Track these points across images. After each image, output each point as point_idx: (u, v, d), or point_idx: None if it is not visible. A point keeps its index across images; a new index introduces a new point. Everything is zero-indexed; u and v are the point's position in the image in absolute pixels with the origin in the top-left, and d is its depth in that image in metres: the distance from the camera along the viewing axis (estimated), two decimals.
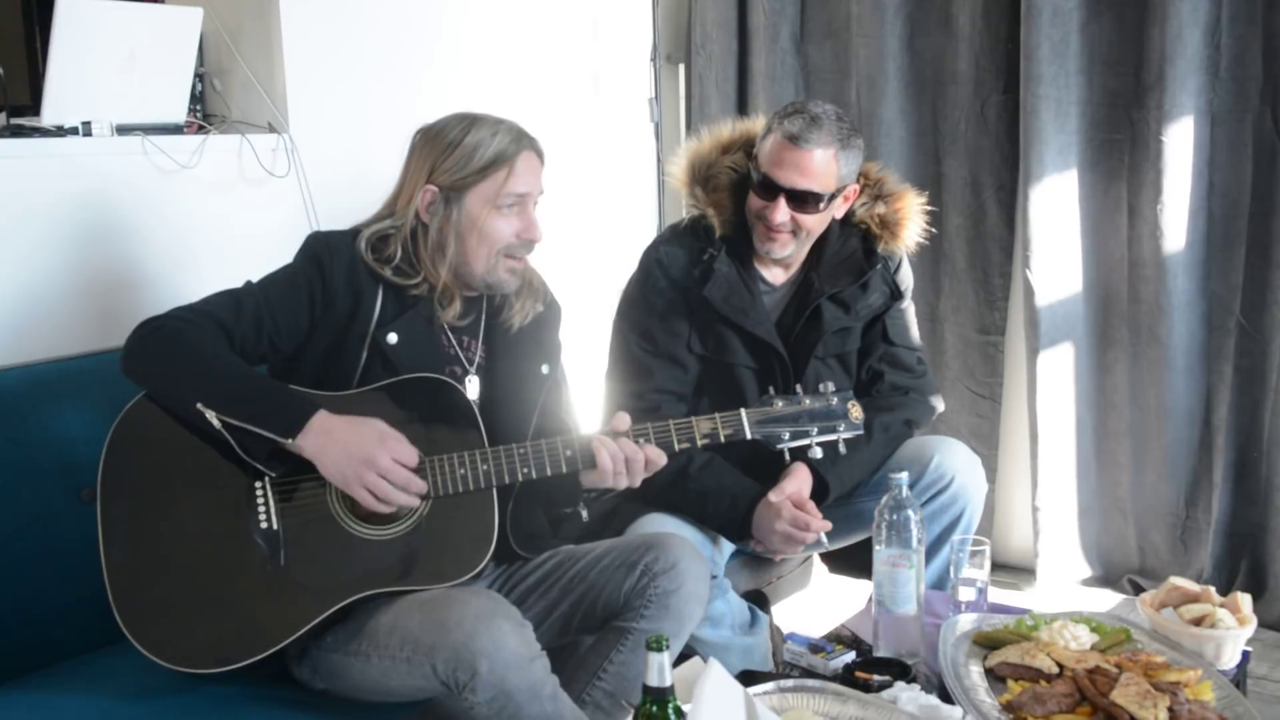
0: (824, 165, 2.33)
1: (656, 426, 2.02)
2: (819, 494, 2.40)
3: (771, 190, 2.33)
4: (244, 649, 1.83)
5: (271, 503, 1.91)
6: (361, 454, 1.85)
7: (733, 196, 2.45)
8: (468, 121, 2.04)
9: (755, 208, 2.38)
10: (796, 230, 2.37)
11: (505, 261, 2.06)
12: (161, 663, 1.82)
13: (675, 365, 2.44)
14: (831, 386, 2.12)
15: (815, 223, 2.39)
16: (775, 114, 2.40)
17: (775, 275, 2.50)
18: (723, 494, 2.35)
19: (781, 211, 2.34)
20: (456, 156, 2.01)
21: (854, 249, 2.49)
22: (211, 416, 1.82)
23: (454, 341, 2.12)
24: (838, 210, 2.46)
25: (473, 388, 2.11)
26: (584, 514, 2.14)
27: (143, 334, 1.91)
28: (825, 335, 2.46)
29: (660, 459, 2.03)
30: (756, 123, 2.51)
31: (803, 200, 2.33)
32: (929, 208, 2.56)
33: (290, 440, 1.84)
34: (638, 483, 2.03)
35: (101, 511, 1.88)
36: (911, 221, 2.50)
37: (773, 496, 2.33)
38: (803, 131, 2.30)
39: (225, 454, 1.87)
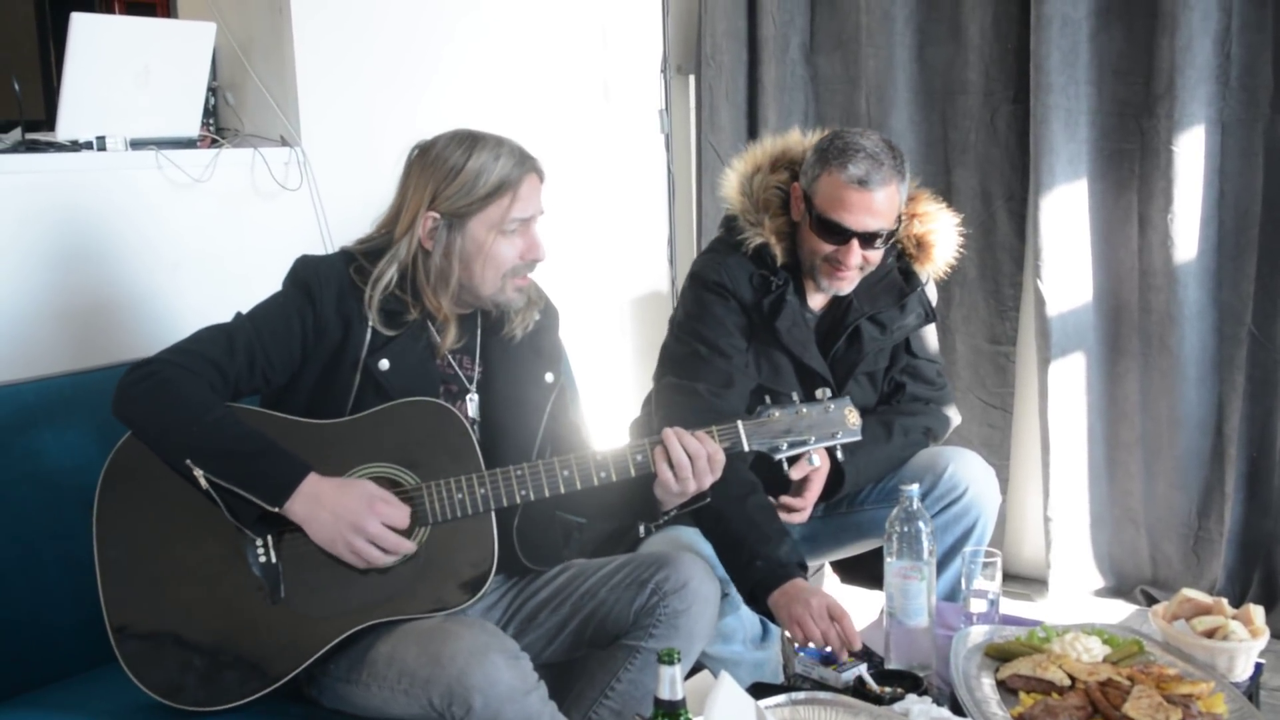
0: (890, 201, 2.31)
1: (653, 440, 1.97)
2: (833, 484, 2.39)
3: (841, 234, 2.31)
4: (248, 685, 1.82)
5: (269, 536, 1.88)
6: (350, 519, 1.83)
7: (788, 221, 2.42)
8: (468, 144, 1.98)
9: (823, 251, 2.34)
10: (863, 265, 2.36)
11: (512, 282, 2.02)
12: (167, 702, 1.81)
13: (744, 377, 2.40)
14: (828, 393, 2.10)
15: (879, 256, 2.39)
16: (823, 149, 2.33)
17: (816, 301, 2.49)
18: (765, 539, 2.15)
19: (856, 255, 2.32)
20: (459, 183, 1.95)
21: (890, 269, 2.48)
22: (200, 476, 1.80)
23: (450, 361, 2.07)
24: None
25: (472, 406, 2.07)
26: (640, 531, 2.13)
27: (134, 379, 1.86)
28: (866, 356, 2.45)
29: (722, 457, 1.98)
30: (789, 138, 2.48)
31: (873, 239, 2.33)
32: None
33: (277, 508, 1.82)
34: (706, 485, 1.97)
35: (98, 549, 1.86)
36: (942, 244, 2.48)
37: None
38: (869, 174, 2.27)
39: None
